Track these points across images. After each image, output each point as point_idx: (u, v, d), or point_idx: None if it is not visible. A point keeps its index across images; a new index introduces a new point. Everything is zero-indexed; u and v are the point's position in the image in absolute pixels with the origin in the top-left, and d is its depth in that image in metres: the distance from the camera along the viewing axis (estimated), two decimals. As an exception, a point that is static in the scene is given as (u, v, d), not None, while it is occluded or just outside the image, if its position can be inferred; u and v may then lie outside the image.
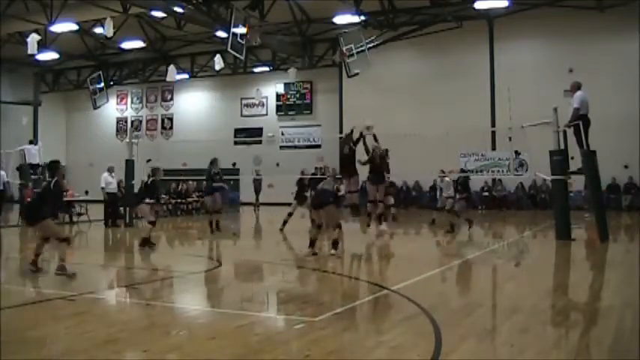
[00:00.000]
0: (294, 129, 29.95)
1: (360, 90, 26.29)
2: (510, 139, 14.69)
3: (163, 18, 24.76)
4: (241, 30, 20.45)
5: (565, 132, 12.67)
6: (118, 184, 17.78)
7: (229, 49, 20.33)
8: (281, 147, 28.98)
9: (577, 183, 19.15)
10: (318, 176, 15.05)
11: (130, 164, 17.59)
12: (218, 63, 25.23)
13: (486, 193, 24.95)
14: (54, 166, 8.68)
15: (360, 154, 13.51)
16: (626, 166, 22.70)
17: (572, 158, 12.99)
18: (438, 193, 15.10)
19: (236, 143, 29.72)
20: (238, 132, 30.68)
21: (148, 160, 19.37)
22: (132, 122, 34.32)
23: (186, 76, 31.34)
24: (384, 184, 13.71)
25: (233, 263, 10.28)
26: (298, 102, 30.32)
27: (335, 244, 9.72)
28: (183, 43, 29.20)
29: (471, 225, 14.74)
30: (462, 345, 4.82)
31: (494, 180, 24.38)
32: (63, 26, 23.91)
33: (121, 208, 17.66)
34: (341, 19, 24.07)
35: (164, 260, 10.67)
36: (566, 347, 4.95)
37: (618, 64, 22.47)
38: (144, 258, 10.90)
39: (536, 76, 23.41)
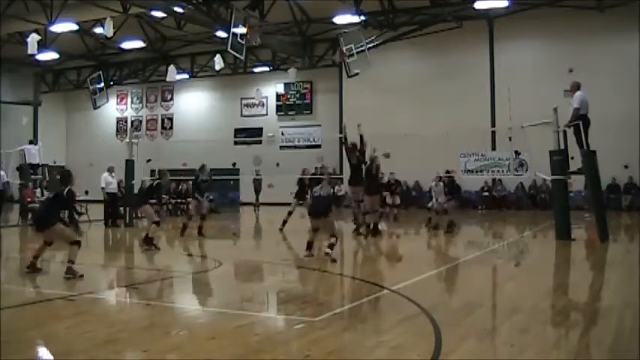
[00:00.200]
0: (294, 129, 29.95)
1: (360, 90, 26.29)
2: (510, 139, 14.70)
3: (163, 18, 24.76)
4: (241, 30, 20.45)
5: (565, 132, 12.67)
6: (118, 184, 17.79)
7: (229, 49, 20.32)
8: (281, 147, 28.98)
9: (577, 183, 19.15)
10: (318, 176, 15.04)
11: (130, 164, 17.60)
12: (218, 63, 25.23)
13: (486, 193, 24.96)
14: (67, 175, 8.76)
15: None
16: (626, 166, 22.70)
17: (572, 158, 12.98)
18: (432, 201, 15.28)
19: (236, 143, 29.73)
20: (238, 132, 30.68)
21: (148, 160, 19.40)
22: (132, 122, 34.32)
23: (186, 76, 31.34)
24: (379, 194, 13.95)
25: (233, 263, 10.28)
26: (298, 102, 30.32)
27: (331, 247, 9.62)
28: (183, 43, 29.20)
29: (451, 228, 14.66)
30: (462, 345, 4.82)
31: (494, 180, 24.38)
32: (63, 26, 23.90)
33: (121, 208, 17.65)
34: (341, 19, 24.06)
35: (164, 260, 10.66)
36: (566, 347, 4.95)
37: (618, 64, 22.46)
38: (144, 258, 10.89)
39: (536, 76, 23.40)
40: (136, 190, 17.74)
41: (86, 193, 19.02)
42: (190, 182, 23.25)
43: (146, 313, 6.20)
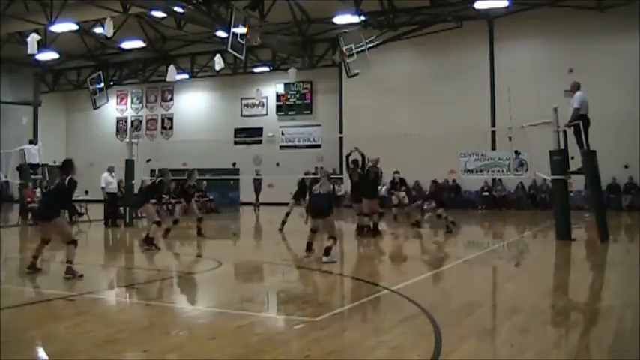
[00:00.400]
0: (294, 129, 29.95)
1: (360, 90, 26.29)
2: (510, 139, 14.69)
3: (163, 18, 24.75)
4: (241, 30, 20.44)
5: (565, 132, 12.68)
6: (118, 184, 17.78)
7: (229, 49, 20.31)
8: (281, 147, 28.98)
9: (577, 183, 19.16)
10: (318, 176, 15.05)
11: (130, 164, 17.60)
12: (218, 63, 25.23)
13: (486, 193, 24.96)
14: (69, 164, 8.67)
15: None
16: (626, 166, 22.70)
17: (572, 158, 12.99)
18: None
19: (236, 143, 29.72)
20: (238, 132, 30.68)
21: (148, 160, 19.40)
22: (132, 122, 34.31)
23: (186, 76, 31.34)
24: (377, 198, 14.07)
25: (233, 263, 10.28)
26: (298, 102, 30.32)
27: (327, 251, 9.48)
28: (183, 43, 29.20)
29: (417, 225, 14.98)
30: (462, 345, 4.82)
31: (494, 180, 24.37)
32: (63, 26, 23.89)
33: (121, 208, 17.65)
34: (341, 19, 24.06)
35: (164, 260, 10.66)
36: (566, 347, 4.96)
37: (618, 64, 22.45)
38: (144, 258, 10.89)
39: (536, 76, 23.40)
40: (136, 190, 17.75)
41: (86, 193, 19.00)
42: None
43: (146, 313, 6.20)
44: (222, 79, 30.91)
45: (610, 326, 5.38)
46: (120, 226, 16.99)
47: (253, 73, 30.51)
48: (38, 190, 18.27)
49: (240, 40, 20.49)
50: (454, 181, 25.13)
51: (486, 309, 6.45)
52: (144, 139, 29.99)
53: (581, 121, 12.18)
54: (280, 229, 15.11)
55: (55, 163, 29.65)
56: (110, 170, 17.57)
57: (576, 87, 12.57)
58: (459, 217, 20.45)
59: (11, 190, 26.09)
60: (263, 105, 31.20)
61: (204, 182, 23.67)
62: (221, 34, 23.40)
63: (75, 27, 24.31)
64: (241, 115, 31.60)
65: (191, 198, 14.45)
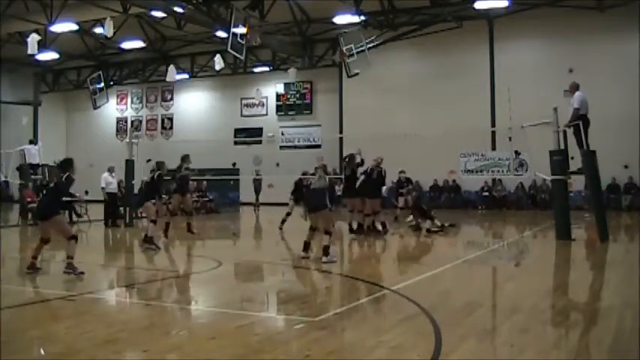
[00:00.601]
0: (294, 129, 29.95)
1: (360, 90, 26.29)
2: (510, 139, 14.69)
3: (163, 18, 24.75)
4: (241, 30, 20.45)
5: (565, 132, 12.67)
6: (118, 184, 17.78)
7: (229, 49, 20.32)
8: (281, 147, 28.97)
9: (577, 183, 19.15)
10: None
11: (130, 164, 17.59)
12: (218, 63, 25.23)
13: (486, 193, 24.95)
14: (68, 162, 8.70)
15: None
16: (626, 166, 22.70)
17: (572, 158, 12.98)
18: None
19: (236, 143, 29.72)
20: (238, 132, 30.67)
21: (148, 160, 19.33)
22: (132, 122, 34.31)
23: (186, 76, 31.34)
24: (379, 198, 14.06)
25: (233, 263, 10.28)
26: (298, 102, 30.32)
27: (325, 251, 9.46)
28: (183, 43, 29.19)
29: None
30: (462, 345, 4.82)
31: (494, 180, 24.37)
32: (63, 26, 23.89)
33: (121, 208, 17.65)
34: (341, 19, 24.06)
35: (164, 260, 10.67)
36: (566, 347, 4.96)
37: (618, 64, 22.45)
38: (144, 258, 10.90)
39: (536, 76, 23.40)
40: (136, 190, 17.74)
41: (86, 193, 19.01)
42: (191, 182, 23.37)
43: (146, 313, 6.20)
44: (222, 79, 30.91)
45: (610, 326, 5.38)
46: (120, 226, 16.99)
47: (253, 73, 30.51)
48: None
49: (240, 40, 20.49)
50: (454, 181, 25.14)
51: (486, 309, 6.45)
52: (144, 139, 29.97)
53: (581, 121, 12.17)
54: (280, 228, 15.14)
55: (55, 163, 29.77)
56: (110, 170, 17.57)
57: (575, 87, 12.56)
58: (458, 217, 20.47)
59: (11, 190, 26.10)
60: (263, 105, 31.20)
61: (204, 182, 23.70)
62: (221, 34, 23.40)
63: (75, 27, 24.31)
64: (241, 115, 31.60)
65: (187, 186, 14.12)
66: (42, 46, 24.68)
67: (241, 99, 31.65)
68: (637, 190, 22.91)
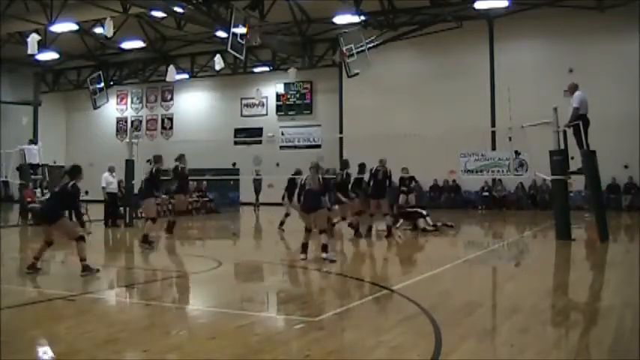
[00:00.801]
0: (294, 129, 29.95)
1: (360, 90, 26.29)
2: (510, 139, 14.69)
3: (163, 18, 24.74)
4: (241, 30, 20.44)
5: (565, 132, 12.67)
6: (119, 183, 17.77)
7: (229, 49, 20.32)
8: (281, 147, 28.96)
9: (577, 183, 19.15)
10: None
11: (130, 164, 17.58)
12: (218, 63, 25.23)
13: (486, 193, 24.95)
14: (76, 170, 8.74)
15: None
16: (626, 166, 22.69)
17: (572, 158, 12.99)
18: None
19: (236, 143, 29.72)
20: (238, 132, 30.67)
21: (148, 160, 19.35)
22: (132, 122, 34.31)
23: (186, 76, 31.33)
24: (385, 198, 13.95)
25: (233, 263, 10.28)
26: (298, 102, 30.31)
27: (324, 248, 9.52)
28: (183, 43, 29.19)
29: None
30: (462, 345, 4.82)
31: (494, 180, 24.37)
32: (63, 26, 23.88)
33: (121, 208, 17.64)
34: (341, 19, 24.05)
35: (164, 260, 10.67)
36: (566, 347, 4.96)
37: (618, 64, 22.45)
38: (144, 258, 10.90)
39: (536, 76, 23.40)
40: (136, 190, 17.72)
41: (86, 193, 18.97)
42: (191, 182, 23.33)
43: (146, 313, 6.20)
44: (222, 79, 30.91)
45: (610, 326, 5.38)
46: (120, 226, 16.98)
47: (253, 73, 30.50)
48: (38, 190, 18.28)
49: (240, 40, 20.49)
50: (454, 181, 25.15)
51: (486, 309, 6.45)
52: (144, 139, 29.96)
53: (581, 121, 12.18)
54: (281, 228, 15.16)
55: (55, 163, 29.86)
56: (111, 170, 17.56)
57: (574, 87, 12.57)
58: (458, 217, 20.48)
59: (11, 190, 26.12)
60: (263, 105, 31.20)
61: (204, 182, 23.70)
62: (221, 34, 23.39)
63: (75, 27, 24.31)
64: (241, 115, 31.59)
65: (187, 186, 14.15)
66: (42, 46, 24.67)
67: (241, 99, 31.64)
68: (637, 190, 22.91)
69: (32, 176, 18.70)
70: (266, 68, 30.00)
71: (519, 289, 7.55)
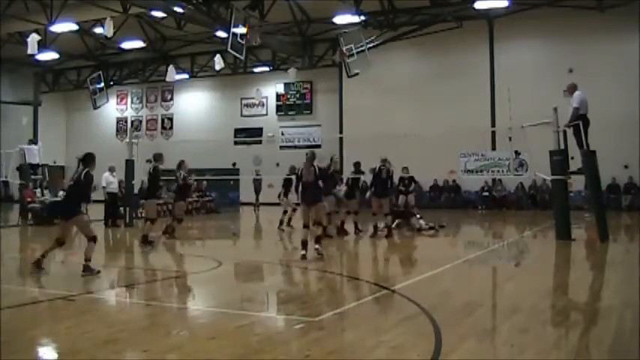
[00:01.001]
0: (294, 129, 29.94)
1: (360, 90, 26.29)
2: (510, 139, 14.69)
3: (163, 18, 24.74)
4: (241, 30, 20.44)
5: (565, 132, 12.67)
6: (119, 183, 17.76)
7: (229, 49, 20.32)
8: (281, 147, 28.96)
9: (577, 183, 19.14)
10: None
11: (130, 164, 17.58)
12: (218, 63, 25.23)
13: (486, 193, 24.95)
14: (90, 157, 8.69)
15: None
16: (626, 166, 22.69)
17: (572, 158, 12.98)
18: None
19: (236, 143, 29.73)
20: (238, 132, 30.68)
21: (148, 160, 19.35)
22: (132, 122, 34.31)
23: (186, 76, 31.34)
24: (388, 197, 13.98)
25: (233, 263, 10.28)
26: (298, 102, 30.31)
27: (318, 240, 9.87)
28: (183, 43, 29.19)
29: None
30: (462, 345, 4.82)
31: (494, 180, 24.37)
32: (63, 26, 23.88)
33: (121, 208, 17.64)
34: (341, 19, 24.05)
35: (164, 260, 10.67)
36: (566, 347, 4.96)
37: (618, 64, 22.45)
38: (143, 258, 10.90)
39: (536, 76, 23.40)
40: (136, 190, 17.73)
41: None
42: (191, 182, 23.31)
43: (146, 313, 6.20)
44: (222, 79, 30.91)
45: (610, 326, 5.38)
46: (120, 226, 16.98)
47: (253, 73, 30.50)
48: (38, 190, 18.28)
49: (240, 40, 20.49)
50: (454, 181, 25.15)
51: (486, 309, 6.45)
52: (144, 139, 29.96)
53: (581, 120, 12.17)
54: (281, 228, 15.18)
55: (55, 163, 29.87)
56: (111, 170, 17.55)
57: (573, 88, 12.56)
58: (458, 217, 20.51)
59: (11, 190, 26.11)
60: (263, 105, 31.20)
61: (204, 182, 23.70)
62: (221, 34, 23.40)
63: (75, 27, 24.31)
64: (241, 115, 31.59)
65: (188, 192, 14.06)
66: (42, 46, 24.68)
67: (241, 99, 31.64)
68: (637, 190, 22.91)
69: (32, 176, 18.71)
70: (266, 68, 30.00)
71: (519, 289, 7.55)
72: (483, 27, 25.08)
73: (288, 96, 30.49)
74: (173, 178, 14.27)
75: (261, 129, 29.93)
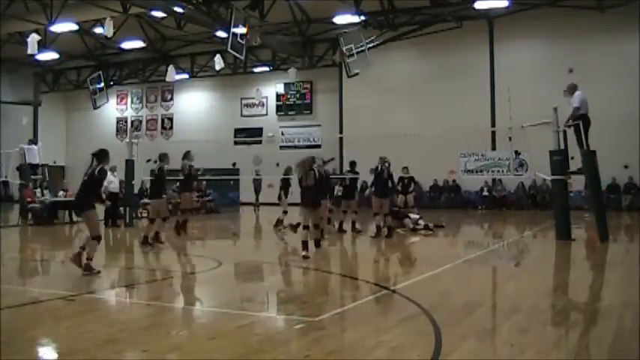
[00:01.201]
0: (294, 129, 29.95)
1: (360, 90, 26.29)
2: (510, 139, 14.69)
3: (163, 18, 24.75)
4: (241, 30, 20.45)
5: (565, 132, 12.67)
6: (120, 183, 17.76)
7: (229, 49, 20.32)
8: (281, 147, 28.95)
9: (577, 183, 19.15)
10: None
11: (130, 164, 17.58)
12: (218, 63, 25.23)
13: (486, 193, 24.95)
14: (103, 153, 8.72)
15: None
16: (626, 166, 22.69)
17: (572, 158, 12.98)
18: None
19: (236, 143, 29.75)
20: (238, 132, 30.69)
21: (148, 160, 19.36)
22: (132, 122, 34.32)
23: (186, 76, 31.34)
24: (389, 197, 13.97)
25: (233, 263, 10.28)
26: (298, 102, 30.31)
27: (317, 243, 9.92)
28: (183, 43, 29.19)
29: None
30: (462, 345, 4.82)
31: (494, 180, 24.37)
32: (63, 26, 23.88)
33: (121, 208, 17.63)
34: (341, 19, 24.06)
35: (164, 260, 10.67)
36: (566, 347, 4.95)
37: (618, 64, 22.44)
38: (144, 258, 10.90)
39: (536, 76, 23.39)
40: (136, 191, 17.72)
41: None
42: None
43: (146, 313, 6.20)
44: (222, 79, 30.91)
45: (610, 326, 5.38)
46: (120, 226, 16.98)
47: (253, 73, 30.51)
48: (38, 190, 18.27)
49: (240, 40, 20.49)
50: (454, 181, 25.15)
51: (486, 309, 6.45)
52: (144, 139, 29.95)
53: (581, 120, 12.18)
54: (280, 228, 15.18)
55: (55, 163, 29.88)
56: (112, 169, 17.50)
57: (573, 88, 12.56)
58: (458, 217, 20.51)
59: (11, 190, 26.11)
60: (263, 105, 31.20)
61: (204, 182, 23.69)
62: (221, 34, 23.40)
63: (75, 27, 24.31)
64: (241, 115, 31.59)
65: (192, 184, 13.96)
66: (42, 46, 24.68)
67: (241, 99, 31.64)
68: (637, 190, 22.90)
69: (32, 176, 18.71)
70: (266, 68, 30.00)
71: (519, 289, 7.55)
72: (483, 27, 25.08)
73: (288, 96, 30.49)
74: (178, 178, 14.18)
75: (261, 129, 29.93)
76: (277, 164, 27.98)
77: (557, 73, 22.38)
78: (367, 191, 14.69)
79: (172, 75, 27.78)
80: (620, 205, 22.65)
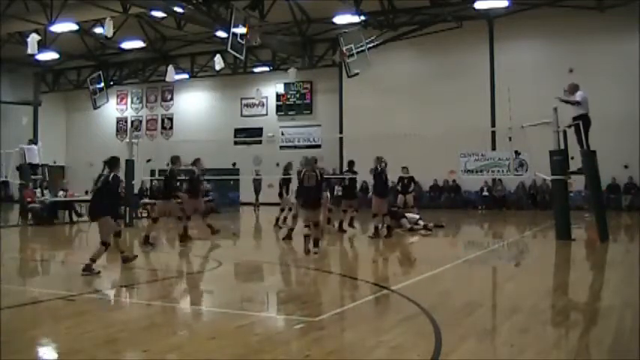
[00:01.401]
0: (294, 129, 29.95)
1: (360, 90, 26.29)
2: (510, 139, 14.68)
3: (163, 18, 24.74)
4: (241, 30, 20.45)
5: (565, 132, 12.68)
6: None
7: (229, 49, 20.32)
8: (281, 147, 28.97)
9: (577, 183, 19.14)
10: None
11: (130, 164, 17.57)
12: (218, 63, 25.23)
13: (486, 193, 24.94)
14: (115, 161, 8.85)
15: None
16: (626, 166, 22.69)
17: (572, 158, 12.98)
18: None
19: (236, 143, 29.74)
20: (238, 132, 30.68)
21: (148, 160, 19.39)
22: (132, 122, 34.31)
23: (186, 76, 31.34)
24: (387, 197, 13.98)
25: (233, 263, 10.28)
26: (298, 102, 30.31)
27: (316, 243, 9.97)
28: (183, 43, 29.19)
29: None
30: (462, 345, 4.82)
31: (494, 180, 24.36)
32: (63, 26, 23.88)
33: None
34: (341, 19, 24.05)
35: (164, 260, 10.67)
36: (566, 347, 4.96)
37: (618, 64, 22.44)
38: (144, 258, 10.89)
39: (536, 76, 23.38)
40: (136, 191, 17.71)
41: (86, 193, 19.02)
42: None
43: (146, 313, 6.20)
44: (222, 79, 30.91)
45: (610, 326, 5.38)
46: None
47: (253, 73, 30.50)
48: (38, 190, 18.28)
49: (240, 40, 20.49)
50: (454, 181, 25.14)
51: (486, 309, 6.45)
52: (144, 139, 29.97)
53: (581, 120, 12.18)
54: (279, 226, 15.20)
55: (55, 163, 29.88)
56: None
57: (574, 88, 12.57)
58: (458, 217, 20.51)
59: (11, 190, 26.12)
60: (263, 105, 31.20)
61: (207, 185, 23.69)
62: (221, 34, 23.39)
63: (75, 27, 24.30)
64: (241, 115, 31.59)
65: (197, 190, 13.74)
66: (42, 46, 24.67)
67: (241, 99, 31.64)
68: (637, 190, 22.90)
69: (32, 176, 18.71)
70: (266, 68, 30.00)
71: (519, 289, 7.55)
72: (483, 27, 25.08)
73: (288, 96, 30.49)
74: (187, 178, 14.02)
75: (261, 129, 29.93)
76: (277, 164, 28.03)
77: (557, 73, 22.36)
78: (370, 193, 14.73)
79: (172, 75, 27.78)
80: (620, 205, 22.65)
